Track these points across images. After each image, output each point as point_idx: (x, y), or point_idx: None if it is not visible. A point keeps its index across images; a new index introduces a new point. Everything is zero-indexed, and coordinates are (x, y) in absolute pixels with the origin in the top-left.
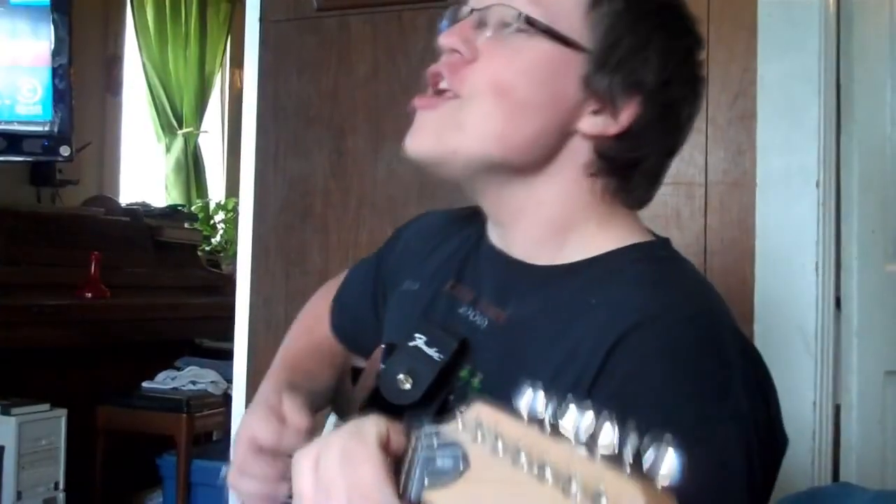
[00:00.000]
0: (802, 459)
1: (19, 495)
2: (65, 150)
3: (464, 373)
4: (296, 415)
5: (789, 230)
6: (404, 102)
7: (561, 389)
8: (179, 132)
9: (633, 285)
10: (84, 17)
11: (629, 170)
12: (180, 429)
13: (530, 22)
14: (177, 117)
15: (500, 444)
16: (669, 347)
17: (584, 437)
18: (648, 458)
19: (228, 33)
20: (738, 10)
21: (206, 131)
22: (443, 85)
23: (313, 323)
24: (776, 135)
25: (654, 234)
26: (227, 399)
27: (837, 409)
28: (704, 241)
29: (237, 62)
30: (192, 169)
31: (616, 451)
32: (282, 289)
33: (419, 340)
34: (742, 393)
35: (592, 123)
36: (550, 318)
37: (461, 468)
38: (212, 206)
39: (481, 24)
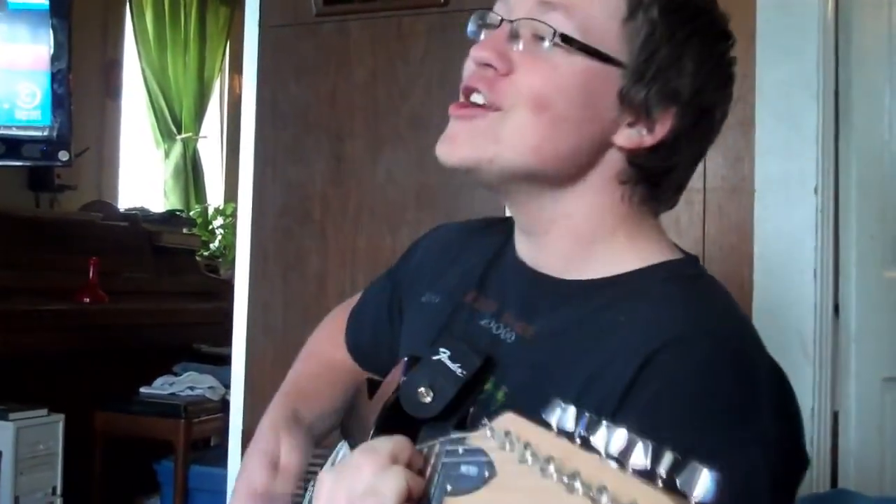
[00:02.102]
0: None
1: (17, 500)
2: (63, 155)
3: (489, 385)
4: (290, 457)
5: (788, 236)
6: (403, 108)
7: (587, 407)
8: (178, 137)
9: (663, 305)
10: (83, 21)
11: (660, 178)
12: (178, 434)
13: (566, 40)
14: (176, 122)
15: (528, 454)
16: (698, 369)
17: (615, 452)
18: (682, 476)
19: (228, 39)
20: (736, 15)
21: (205, 136)
22: (476, 99)
23: (325, 342)
24: (775, 141)
25: (682, 251)
26: (224, 405)
27: (836, 416)
28: (703, 247)
29: (236, 68)
30: (190, 174)
31: (648, 468)
32: (280, 294)
33: (443, 355)
34: (769, 417)
35: (628, 136)
36: (578, 335)
37: (486, 475)
38: (210, 211)
39: (513, 37)
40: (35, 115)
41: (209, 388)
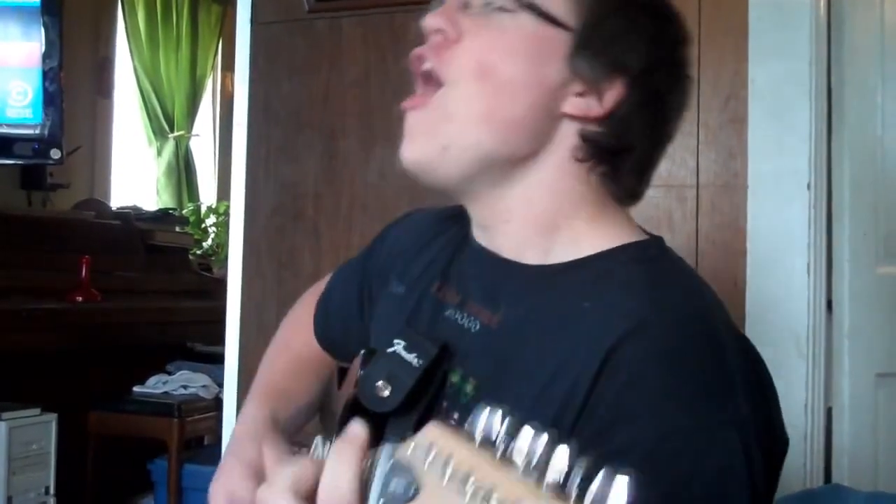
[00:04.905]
0: (794, 461)
1: (10, 500)
2: (55, 154)
3: (455, 378)
4: (275, 469)
5: (781, 232)
6: (396, 105)
7: (554, 399)
8: (171, 135)
9: (627, 288)
10: (75, 19)
11: (616, 157)
12: (172, 433)
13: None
14: (168, 121)
15: (449, 470)
16: (667, 353)
17: (535, 461)
18: (596, 485)
19: (220, 36)
20: (728, 12)
21: (197, 135)
22: (426, 66)
23: (296, 331)
24: (767, 137)
25: (647, 233)
26: (218, 403)
27: (829, 412)
28: (696, 243)
29: (229, 65)
30: (183, 172)
31: (565, 477)
32: (273, 292)
33: (398, 346)
34: (743, 397)
35: (576, 104)
36: (543, 322)
37: (411, 493)
38: (203, 209)
39: (466, 5)
40: (26, 113)
41: (202, 386)
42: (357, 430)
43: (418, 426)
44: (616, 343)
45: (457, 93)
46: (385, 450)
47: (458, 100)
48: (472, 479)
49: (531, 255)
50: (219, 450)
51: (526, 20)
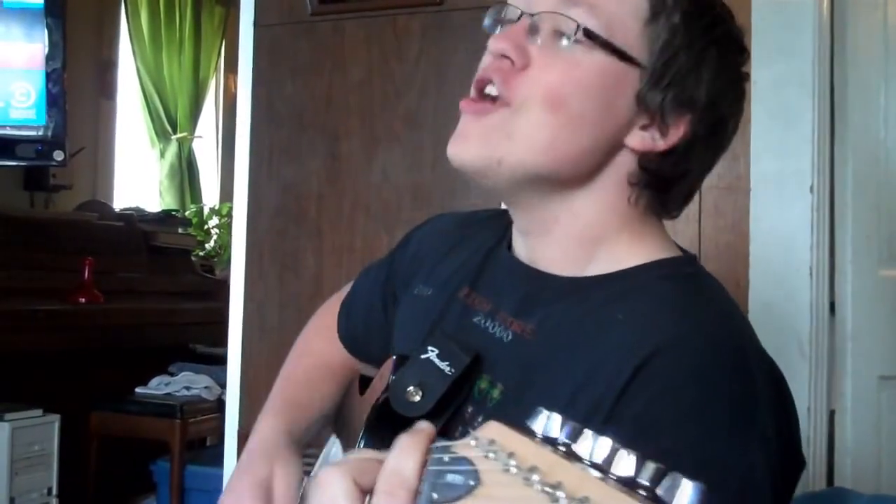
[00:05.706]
0: None
1: (12, 501)
2: (58, 155)
3: (483, 383)
4: (286, 489)
5: (783, 234)
6: (399, 106)
7: (582, 406)
8: (173, 137)
9: (659, 304)
10: (78, 20)
11: (671, 184)
12: (174, 434)
13: (589, 35)
14: (171, 122)
15: (512, 463)
16: (695, 372)
17: (598, 461)
18: (664, 486)
19: (223, 38)
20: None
21: (200, 136)
22: (490, 90)
23: (317, 338)
24: (770, 139)
25: (681, 249)
26: (221, 405)
27: (832, 414)
28: (699, 245)
29: (232, 67)
30: (186, 174)
31: (631, 477)
32: (275, 294)
33: (431, 353)
34: (768, 418)
35: (641, 138)
36: (575, 333)
37: (471, 484)
38: (206, 211)
39: (533, 30)
40: (30, 114)
41: (205, 388)
42: (425, 425)
43: (442, 432)
44: (648, 356)
45: (524, 118)
46: (438, 446)
47: (523, 125)
48: (536, 473)
49: (568, 267)
50: (222, 451)
51: (599, 55)
